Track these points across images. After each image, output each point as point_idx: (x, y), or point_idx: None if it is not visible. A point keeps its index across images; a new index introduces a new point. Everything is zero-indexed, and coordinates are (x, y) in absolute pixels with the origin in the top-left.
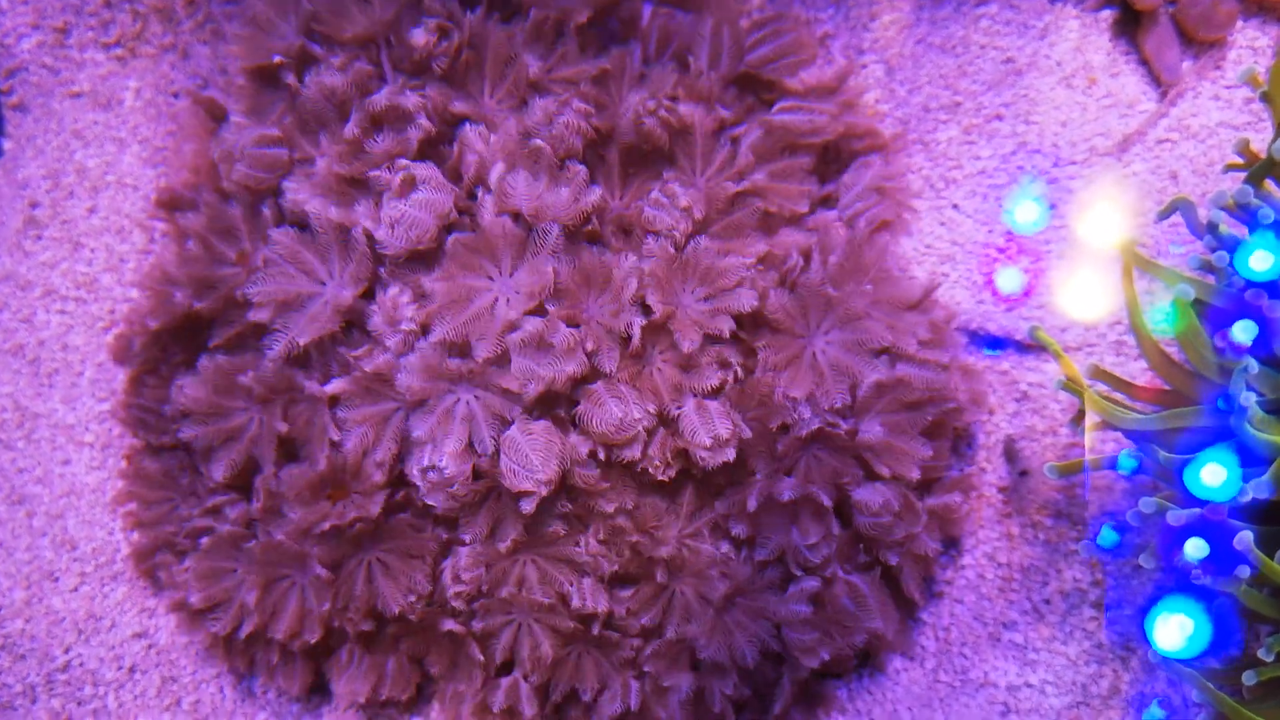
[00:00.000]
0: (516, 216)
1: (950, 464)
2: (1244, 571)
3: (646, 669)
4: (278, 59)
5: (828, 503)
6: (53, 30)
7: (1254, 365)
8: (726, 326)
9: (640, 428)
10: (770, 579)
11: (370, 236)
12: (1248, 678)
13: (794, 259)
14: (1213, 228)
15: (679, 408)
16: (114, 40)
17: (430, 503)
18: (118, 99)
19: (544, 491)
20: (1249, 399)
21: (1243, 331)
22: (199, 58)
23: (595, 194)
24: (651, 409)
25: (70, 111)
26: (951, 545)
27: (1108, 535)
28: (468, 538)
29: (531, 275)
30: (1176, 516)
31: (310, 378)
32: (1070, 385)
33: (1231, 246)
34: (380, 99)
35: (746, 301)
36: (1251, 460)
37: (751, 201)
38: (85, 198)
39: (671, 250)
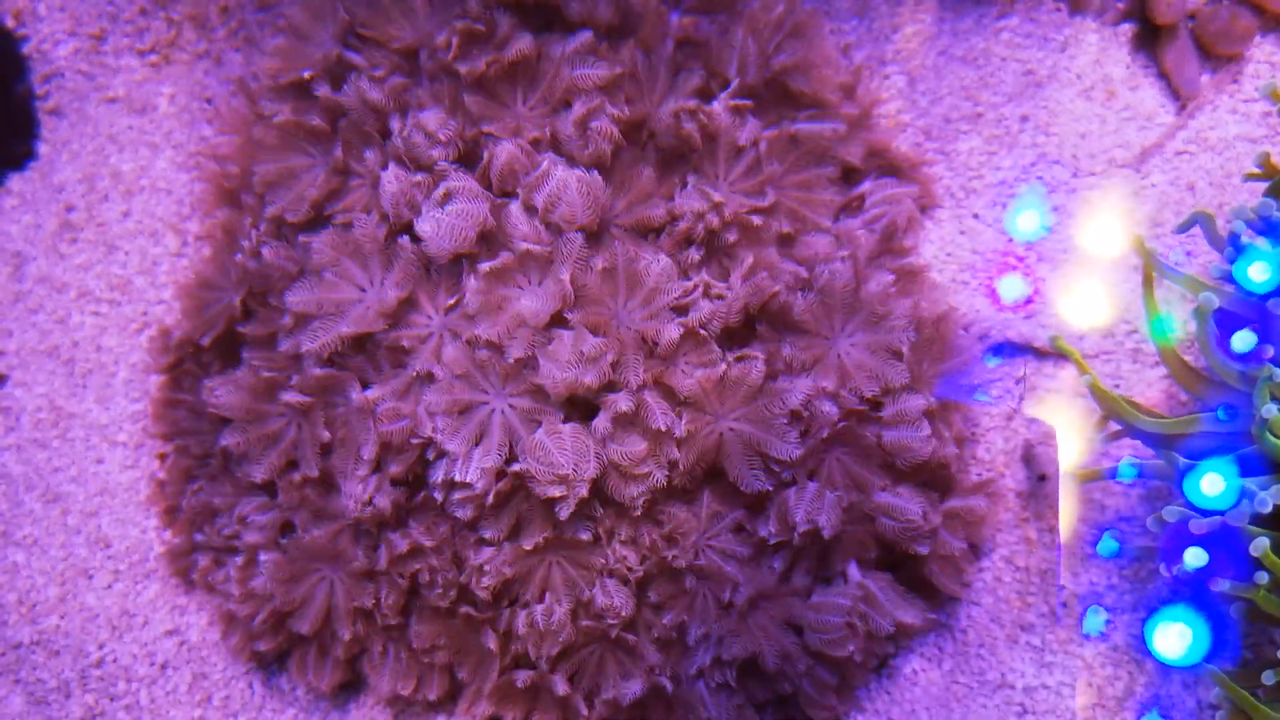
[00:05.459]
0: (547, 225)
1: (970, 466)
2: (1262, 577)
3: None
4: (308, 74)
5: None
6: (89, 37)
7: (1278, 374)
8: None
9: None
10: (796, 585)
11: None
12: (1267, 677)
13: (820, 266)
14: (1234, 238)
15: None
16: (149, 47)
17: (458, 515)
18: (152, 104)
19: (582, 492)
20: (1271, 410)
21: (1241, 341)
22: (232, 65)
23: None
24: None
25: (105, 116)
26: (970, 548)
27: (1107, 544)
28: (489, 534)
29: (555, 285)
30: (1199, 525)
31: (351, 384)
32: (1092, 387)
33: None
34: (428, 119)
35: (765, 291)
36: (1265, 469)
37: (777, 210)
38: (119, 201)
39: (699, 257)
